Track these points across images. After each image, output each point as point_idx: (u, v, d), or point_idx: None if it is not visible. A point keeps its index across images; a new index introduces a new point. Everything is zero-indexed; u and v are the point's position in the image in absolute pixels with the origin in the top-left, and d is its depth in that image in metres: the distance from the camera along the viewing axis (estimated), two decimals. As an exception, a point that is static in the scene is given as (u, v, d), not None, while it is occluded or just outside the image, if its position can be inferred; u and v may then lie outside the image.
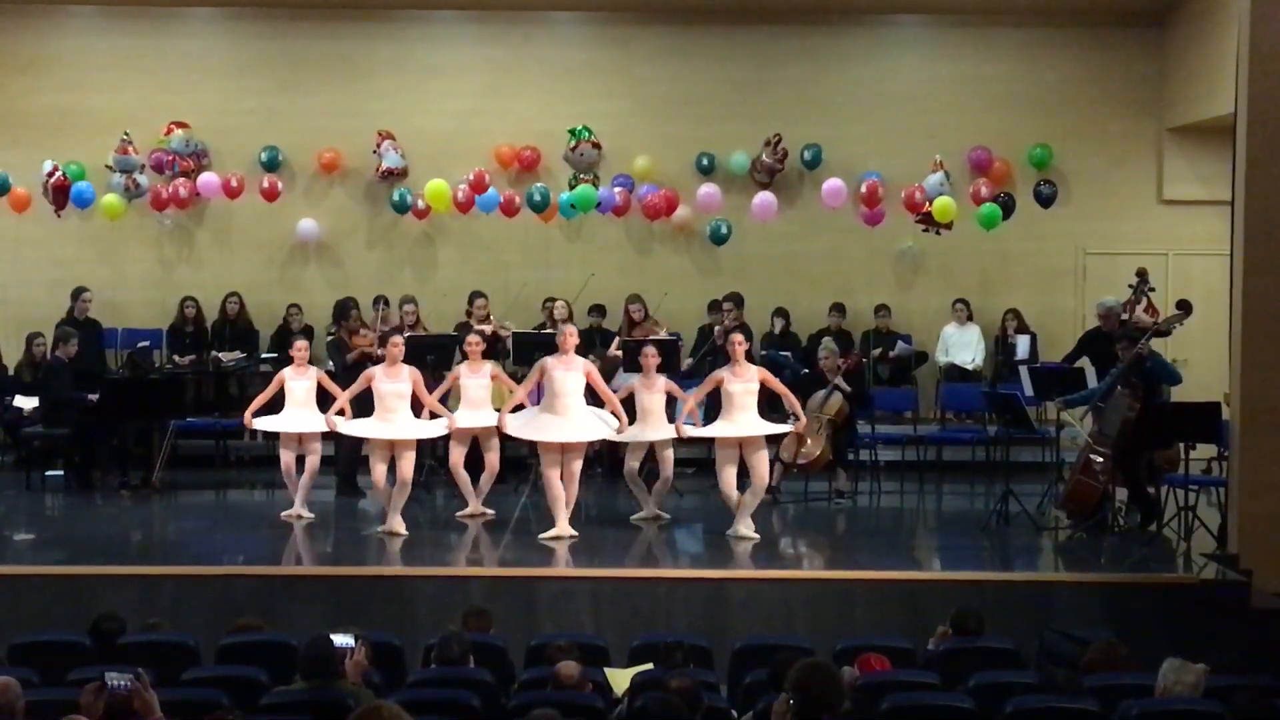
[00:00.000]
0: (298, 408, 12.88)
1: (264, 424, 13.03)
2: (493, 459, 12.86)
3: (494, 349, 14.49)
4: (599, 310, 16.19)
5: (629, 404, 12.56)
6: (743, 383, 12.11)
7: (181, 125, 17.06)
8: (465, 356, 13.02)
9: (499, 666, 8.14)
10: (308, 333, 16.57)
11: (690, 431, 12.37)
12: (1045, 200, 16.82)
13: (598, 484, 14.43)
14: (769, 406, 12.92)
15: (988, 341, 16.83)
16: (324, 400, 12.85)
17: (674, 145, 17.25)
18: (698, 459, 15.44)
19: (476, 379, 12.85)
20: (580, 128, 16.99)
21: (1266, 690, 7.15)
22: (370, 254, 17.48)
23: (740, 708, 7.57)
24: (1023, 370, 13.92)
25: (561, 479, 12.01)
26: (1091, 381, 12.97)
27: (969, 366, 16.57)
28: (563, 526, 11.99)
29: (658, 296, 15.99)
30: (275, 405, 13.01)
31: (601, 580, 11.00)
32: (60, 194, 16.51)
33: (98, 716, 6.09)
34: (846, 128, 17.26)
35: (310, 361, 13.28)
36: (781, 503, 13.92)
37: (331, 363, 14.72)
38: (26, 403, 15.19)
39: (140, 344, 16.37)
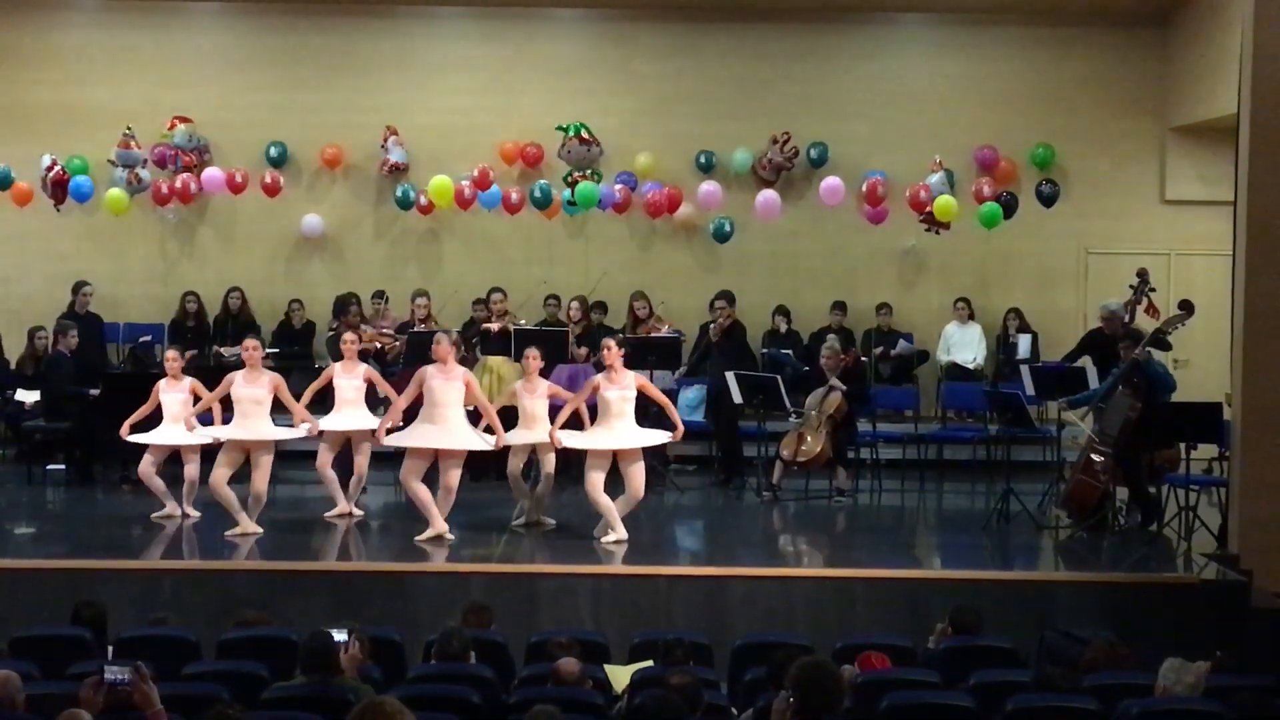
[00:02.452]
0: (245, 416, 12.26)
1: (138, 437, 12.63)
2: (362, 462, 12.79)
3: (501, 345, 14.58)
4: (601, 307, 16.18)
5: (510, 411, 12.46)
6: (619, 390, 11.87)
7: (184, 120, 17.08)
8: (342, 356, 12.93)
9: (499, 662, 8.14)
10: (309, 328, 16.66)
11: (565, 441, 12.03)
12: (1047, 200, 16.80)
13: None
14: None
15: (989, 340, 16.83)
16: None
17: (676, 142, 17.26)
18: (699, 456, 15.50)
19: (349, 380, 12.73)
20: (570, 124, 16.98)
21: (1266, 690, 7.15)
22: (374, 249, 17.48)
23: (740, 705, 7.57)
24: (1024, 369, 13.90)
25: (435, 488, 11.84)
26: (1093, 381, 12.97)
27: (970, 365, 16.56)
28: (438, 524, 11.83)
29: (662, 294, 15.96)
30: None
31: (602, 577, 11.01)
32: (59, 188, 16.53)
33: (97, 710, 6.09)
34: (849, 126, 17.25)
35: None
36: (782, 500, 13.91)
37: (332, 358, 14.70)
38: (28, 396, 15.20)
39: (142, 338, 16.39)
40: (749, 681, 7.81)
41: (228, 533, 12.01)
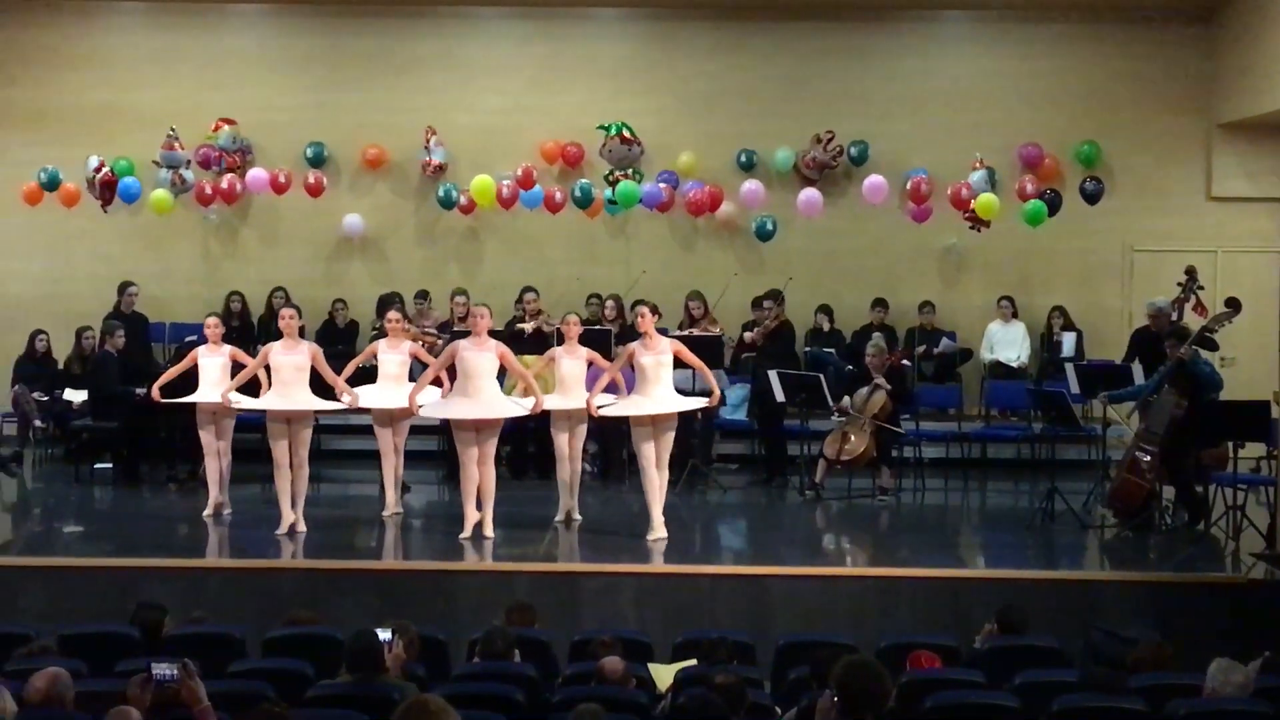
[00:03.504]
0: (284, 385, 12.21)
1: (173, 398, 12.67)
2: (398, 442, 12.72)
3: (539, 343, 14.57)
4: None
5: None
6: (654, 355, 11.80)
7: (228, 122, 17.18)
8: (385, 334, 12.86)
9: (543, 661, 8.15)
10: (352, 328, 16.73)
11: (602, 409, 12.02)
12: (1091, 197, 16.71)
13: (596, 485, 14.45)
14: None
15: (1033, 339, 16.75)
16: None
17: (718, 141, 17.25)
18: (742, 455, 15.48)
19: (394, 355, 12.65)
20: (611, 124, 17.00)
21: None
22: (415, 249, 17.55)
23: (783, 704, 7.55)
24: (1069, 368, 13.83)
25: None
26: (1139, 379, 12.88)
27: (1014, 364, 16.49)
28: (472, 514, 11.88)
29: (713, 294, 15.91)
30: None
31: (645, 576, 11.00)
32: (107, 189, 16.66)
33: (145, 707, 6.13)
34: (891, 124, 17.22)
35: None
36: (825, 499, 13.89)
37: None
38: (75, 395, 15.34)
39: (187, 338, 16.46)
40: (792, 680, 7.79)
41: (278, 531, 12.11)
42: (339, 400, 12.28)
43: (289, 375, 12.01)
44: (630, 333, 15.37)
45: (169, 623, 8.48)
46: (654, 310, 12.15)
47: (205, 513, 12.69)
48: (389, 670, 7.11)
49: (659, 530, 11.81)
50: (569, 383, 12.31)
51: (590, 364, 12.38)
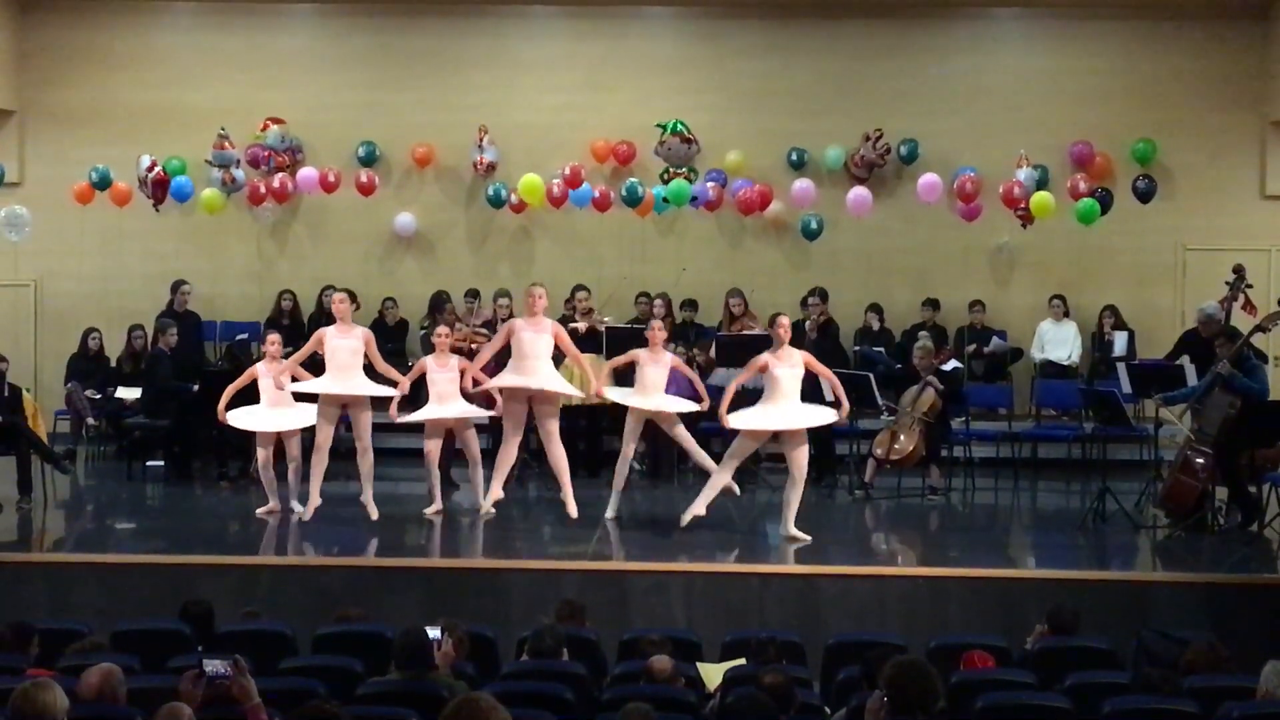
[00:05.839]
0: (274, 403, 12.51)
1: (238, 422, 12.65)
2: (473, 449, 12.66)
3: (590, 342, 14.57)
4: (691, 304, 16.17)
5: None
6: (788, 367, 11.68)
7: (277, 121, 17.27)
8: (434, 349, 12.74)
9: (592, 660, 8.16)
10: (403, 326, 16.78)
11: (732, 421, 11.82)
12: (1144, 195, 16.59)
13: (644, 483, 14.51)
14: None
15: (1084, 338, 16.64)
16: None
17: (767, 140, 17.22)
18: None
19: (443, 373, 12.54)
20: (672, 122, 17.00)
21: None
22: (466, 248, 17.59)
23: (833, 704, 7.54)
24: (1121, 367, 13.72)
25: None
26: (1191, 379, 12.78)
27: (1065, 363, 16.39)
28: (497, 492, 12.01)
29: (752, 291, 15.92)
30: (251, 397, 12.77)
31: (694, 575, 10.98)
32: (159, 188, 16.79)
33: (196, 704, 6.16)
34: (942, 122, 17.15)
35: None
36: (874, 498, 13.84)
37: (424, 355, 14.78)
38: (128, 393, 15.46)
39: (239, 336, 16.59)
40: (842, 680, 7.76)
41: (301, 512, 12.29)
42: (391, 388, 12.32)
43: (344, 359, 12.07)
44: (679, 332, 15.41)
45: (217, 619, 8.54)
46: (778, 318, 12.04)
47: (261, 510, 12.74)
48: (438, 668, 7.13)
49: (792, 531, 11.77)
50: (651, 388, 12.31)
51: (674, 369, 12.42)
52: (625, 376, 12.68)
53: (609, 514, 12.50)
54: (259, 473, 12.90)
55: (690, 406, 12.43)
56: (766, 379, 11.83)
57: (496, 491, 12.21)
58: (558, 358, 12.42)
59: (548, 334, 11.93)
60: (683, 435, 12.46)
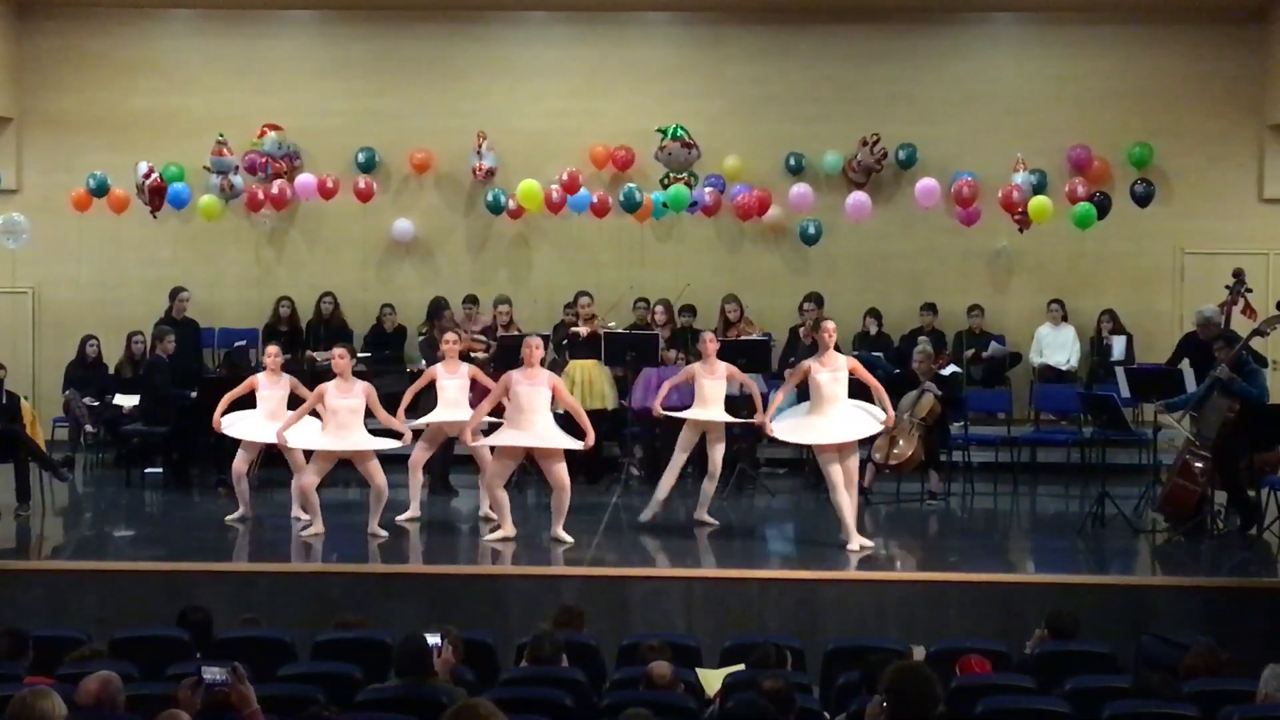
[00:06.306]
0: (269, 417, 12.59)
1: (232, 429, 12.74)
2: (485, 455, 12.61)
3: (594, 347, 14.60)
4: (690, 310, 16.16)
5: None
6: (831, 371, 11.70)
7: (274, 127, 17.25)
8: (442, 357, 12.82)
9: (591, 665, 8.16)
10: (400, 332, 16.77)
11: (779, 433, 11.98)
12: (1142, 199, 16.60)
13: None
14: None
15: (1083, 342, 16.64)
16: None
17: (765, 145, 17.22)
18: (790, 459, 15.43)
19: (453, 380, 12.62)
20: (672, 127, 17.00)
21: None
22: (464, 254, 17.58)
23: (833, 710, 7.53)
24: (1120, 371, 13.72)
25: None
26: (1190, 384, 12.78)
27: (1064, 367, 16.39)
28: (508, 529, 11.92)
29: (751, 296, 15.91)
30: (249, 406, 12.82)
31: (693, 580, 10.98)
32: (156, 195, 16.77)
33: (195, 710, 6.16)
34: (939, 127, 17.15)
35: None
36: (874, 504, 13.84)
37: (424, 361, 14.79)
38: (126, 400, 15.44)
39: (237, 343, 16.57)
40: (841, 685, 7.76)
41: (303, 532, 12.20)
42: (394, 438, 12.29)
43: (345, 418, 11.98)
44: (679, 337, 15.41)
45: (215, 626, 8.53)
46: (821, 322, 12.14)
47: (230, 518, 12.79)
48: (438, 674, 7.13)
49: (854, 540, 11.68)
50: (710, 401, 12.36)
51: (730, 379, 12.47)
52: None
53: (644, 517, 12.57)
54: (232, 478, 12.90)
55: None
56: (811, 383, 11.81)
57: (509, 529, 12.02)
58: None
59: (544, 386, 11.72)
60: (718, 454, 12.46)
